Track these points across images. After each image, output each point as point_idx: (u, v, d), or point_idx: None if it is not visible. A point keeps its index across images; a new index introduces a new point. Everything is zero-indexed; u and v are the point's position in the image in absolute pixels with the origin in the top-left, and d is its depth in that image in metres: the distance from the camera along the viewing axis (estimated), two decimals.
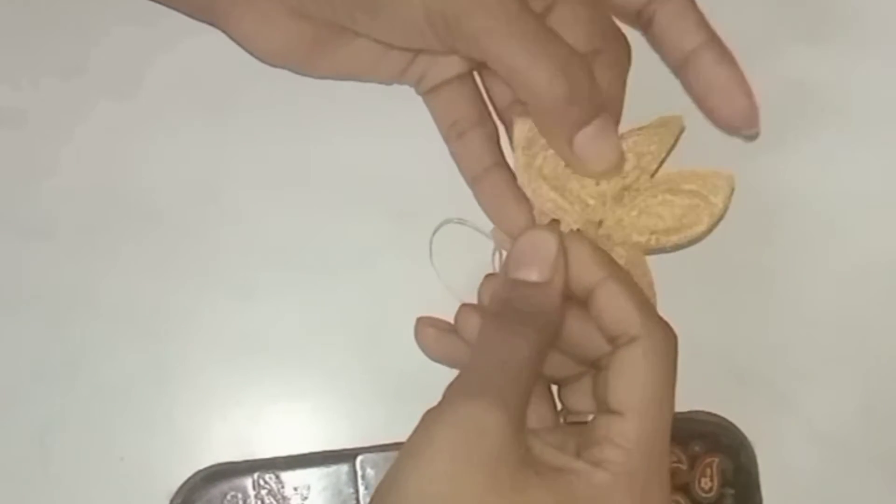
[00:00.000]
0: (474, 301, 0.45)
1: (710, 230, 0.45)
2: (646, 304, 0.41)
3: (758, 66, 0.45)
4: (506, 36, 0.41)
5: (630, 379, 0.40)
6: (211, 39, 0.47)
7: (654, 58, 0.46)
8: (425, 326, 0.46)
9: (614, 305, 0.41)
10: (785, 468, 0.49)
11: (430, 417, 0.39)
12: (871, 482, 0.49)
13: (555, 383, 0.46)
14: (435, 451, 0.38)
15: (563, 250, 0.42)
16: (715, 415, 0.48)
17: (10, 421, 0.47)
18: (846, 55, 0.50)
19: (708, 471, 0.48)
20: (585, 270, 0.42)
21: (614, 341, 0.41)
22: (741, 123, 0.44)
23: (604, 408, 0.40)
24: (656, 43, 0.45)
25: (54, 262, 0.48)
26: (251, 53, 0.47)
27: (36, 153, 0.48)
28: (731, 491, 0.48)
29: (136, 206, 0.48)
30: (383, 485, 0.39)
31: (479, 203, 0.47)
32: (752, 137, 0.48)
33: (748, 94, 0.44)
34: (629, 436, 0.39)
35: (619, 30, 0.45)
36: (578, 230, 0.44)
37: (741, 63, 0.45)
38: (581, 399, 0.44)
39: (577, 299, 0.42)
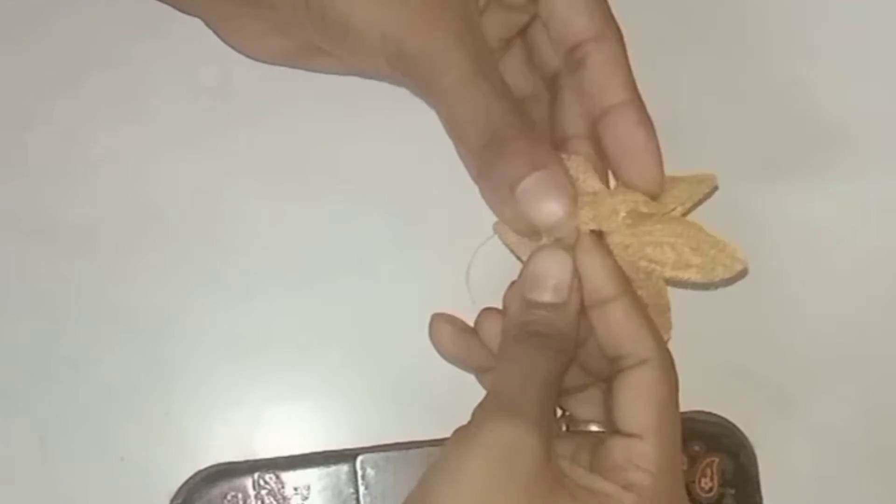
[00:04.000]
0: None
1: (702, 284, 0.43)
2: (654, 325, 0.41)
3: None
4: (451, 95, 0.41)
5: (647, 402, 0.40)
6: (212, 39, 0.47)
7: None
8: (442, 323, 0.44)
9: (628, 325, 0.41)
10: (785, 468, 0.49)
11: (462, 436, 0.38)
12: (871, 482, 0.49)
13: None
14: (469, 471, 0.37)
15: (577, 268, 0.41)
16: (715, 415, 0.48)
17: (10, 421, 0.47)
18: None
19: (708, 471, 0.48)
20: (599, 284, 0.41)
21: (620, 360, 0.41)
22: (647, 190, 0.43)
23: (613, 426, 0.40)
24: (579, 87, 0.44)
25: (54, 262, 0.48)
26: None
27: (36, 153, 0.48)
28: (731, 491, 0.48)
29: (137, 206, 0.48)
30: (412, 502, 0.38)
31: (484, 198, 0.47)
32: None
33: (659, 162, 0.43)
34: (652, 459, 0.39)
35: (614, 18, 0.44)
36: (592, 232, 0.42)
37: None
38: (588, 408, 0.44)
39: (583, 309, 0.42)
